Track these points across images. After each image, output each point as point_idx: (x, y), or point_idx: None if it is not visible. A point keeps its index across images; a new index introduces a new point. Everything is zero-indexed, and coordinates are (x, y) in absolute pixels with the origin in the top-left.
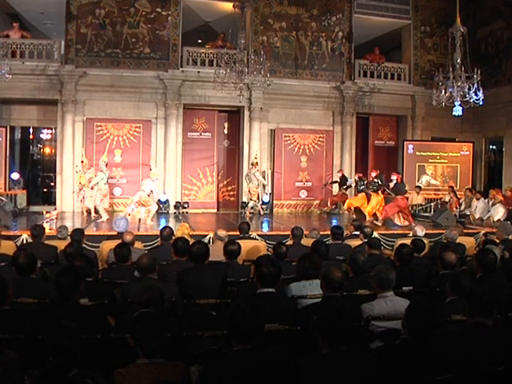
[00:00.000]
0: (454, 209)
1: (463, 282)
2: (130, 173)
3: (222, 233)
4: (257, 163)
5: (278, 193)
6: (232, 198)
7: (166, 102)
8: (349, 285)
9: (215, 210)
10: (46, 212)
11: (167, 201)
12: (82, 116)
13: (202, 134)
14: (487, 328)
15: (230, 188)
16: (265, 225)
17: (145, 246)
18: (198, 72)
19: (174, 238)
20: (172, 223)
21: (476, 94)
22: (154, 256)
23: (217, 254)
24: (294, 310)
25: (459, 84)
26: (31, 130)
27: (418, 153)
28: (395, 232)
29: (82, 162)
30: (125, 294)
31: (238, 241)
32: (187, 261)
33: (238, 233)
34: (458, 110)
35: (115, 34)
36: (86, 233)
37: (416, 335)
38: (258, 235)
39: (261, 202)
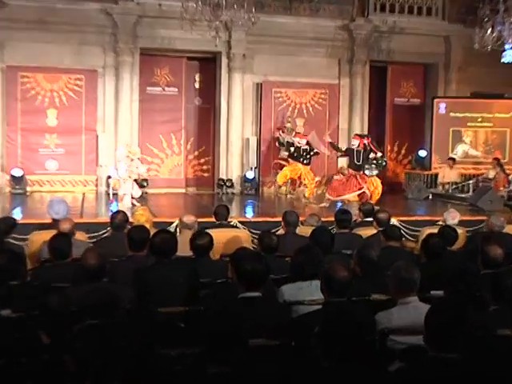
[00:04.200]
0: (501, 188)
1: (509, 284)
2: (68, 141)
3: (189, 219)
4: (289, 125)
5: (265, 167)
6: (206, 174)
7: (116, 45)
8: (358, 287)
9: (183, 190)
10: None
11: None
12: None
13: (166, 88)
14: None
15: (202, 161)
16: (248, 209)
17: (90, 238)
18: (160, 5)
19: (128, 226)
20: (125, 208)
21: None
22: (103, 251)
23: (184, 247)
24: (286, 319)
25: None
26: None
27: (452, 114)
28: (420, 218)
29: None
30: (64, 302)
31: (214, 230)
32: (147, 256)
33: (213, 219)
34: (509, 56)
35: None
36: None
37: (438, 349)
38: (240, 222)
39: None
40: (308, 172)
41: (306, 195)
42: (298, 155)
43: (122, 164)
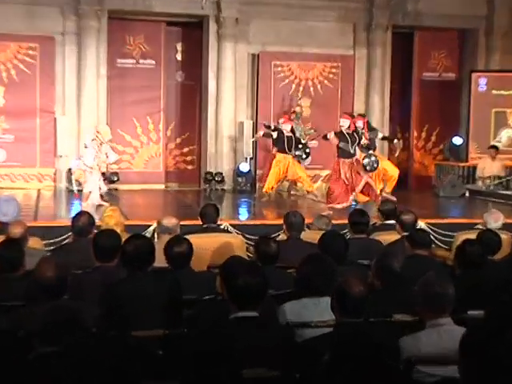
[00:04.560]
0: None
1: None
2: (19, 125)
3: (169, 222)
4: (298, 108)
5: (263, 158)
6: (190, 167)
7: (78, 6)
8: (378, 305)
9: (162, 186)
10: None
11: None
12: None
13: (141, 61)
14: None
15: (186, 150)
16: (242, 209)
17: (46, 246)
18: None
19: (95, 231)
20: (92, 207)
21: None
22: (63, 261)
23: (163, 255)
24: (289, 345)
25: None
26: None
27: (494, 91)
28: (454, 221)
29: None
30: (14, 325)
31: (201, 235)
32: (117, 267)
33: (199, 222)
34: None
35: None
36: None
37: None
38: (232, 226)
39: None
40: (298, 166)
41: (308, 189)
42: (284, 143)
43: (90, 150)
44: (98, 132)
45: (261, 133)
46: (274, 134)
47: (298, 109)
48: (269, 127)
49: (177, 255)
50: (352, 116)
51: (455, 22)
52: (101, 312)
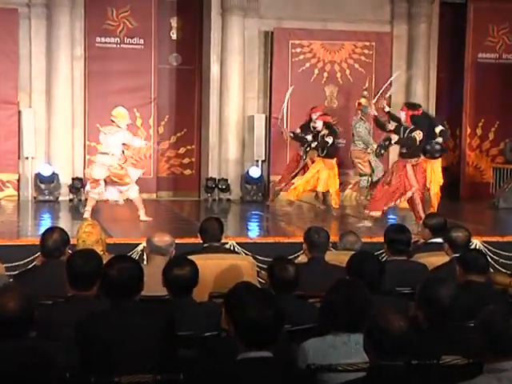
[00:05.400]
0: None
1: None
2: None
3: (162, 240)
4: (364, 100)
5: (278, 161)
6: (188, 172)
7: None
8: (422, 345)
9: (153, 196)
10: None
11: (54, 177)
12: None
13: (126, 40)
14: None
15: (182, 151)
16: (253, 223)
17: (8, 270)
18: None
19: (69, 251)
20: (65, 222)
21: None
22: (29, 290)
23: (154, 282)
24: None
25: None
26: None
27: None
28: None
29: None
30: None
31: (201, 256)
32: (97, 297)
33: (198, 240)
34: None
35: None
36: None
37: None
38: (240, 244)
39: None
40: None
41: (335, 206)
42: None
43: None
44: (113, 116)
45: (290, 134)
46: (309, 137)
47: (363, 100)
48: (299, 137)
49: (177, 280)
50: (412, 107)
51: None
52: (77, 353)
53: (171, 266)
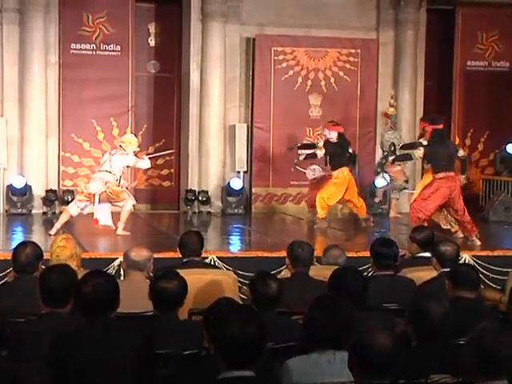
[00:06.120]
0: None
1: None
2: None
3: (139, 254)
4: (392, 109)
5: (260, 172)
6: (166, 183)
7: None
8: (411, 363)
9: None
10: None
11: (27, 188)
12: None
13: (103, 46)
14: None
15: (160, 162)
16: (234, 238)
17: None
18: None
19: (41, 266)
20: (38, 236)
21: None
22: (0, 307)
23: (132, 298)
24: None
25: None
26: None
27: None
28: (508, 254)
29: None
30: None
31: (180, 271)
32: (71, 314)
33: (178, 254)
34: None
35: None
36: None
37: None
38: (220, 259)
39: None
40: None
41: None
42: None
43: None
44: (121, 142)
45: (300, 158)
46: (320, 153)
47: (391, 110)
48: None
49: (162, 293)
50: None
51: None
52: (50, 373)
53: (158, 277)
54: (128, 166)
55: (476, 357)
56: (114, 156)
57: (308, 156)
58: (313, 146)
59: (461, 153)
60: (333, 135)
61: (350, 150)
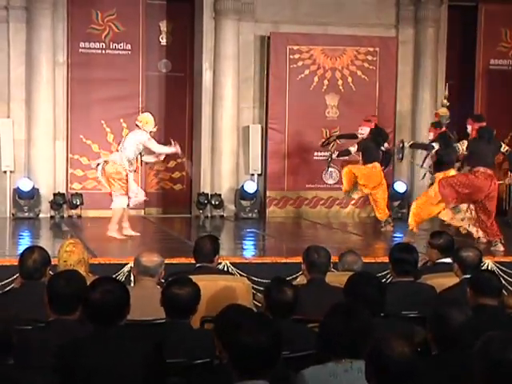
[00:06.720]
0: None
1: None
2: None
3: (150, 260)
4: (444, 110)
5: (275, 175)
6: (178, 187)
7: None
8: (431, 374)
9: (141, 212)
10: None
11: (34, 192)
12: None
13: (112, 45)
14: None
15: (172, 165)
16: (248, 243)
17: None
18: None
19: (49, 272)
20: (46, 240)
21: None
22: (6, 314)
23: (142, 305)
24: None
25: None
26: None
27: None
28: None
29: None
30: None
31: (193, 277)
32: (80, 322)
33: (190, 260)
34: None
35: None
36: None
37: None
38: (234, 265)
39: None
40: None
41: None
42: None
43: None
44: (138, 121)
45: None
46: (353, 149)
47: (442, 110)
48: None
49: (174, 299)
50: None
51: None
52: (56, 381)
53: (171, 283)
54: (141, 143)
55: (483, 366)
56: (129, 134)
57: (341, 153)
58: (354, 136)
59: (504, 147)
60: (365, 131)
61: (386, 145)
